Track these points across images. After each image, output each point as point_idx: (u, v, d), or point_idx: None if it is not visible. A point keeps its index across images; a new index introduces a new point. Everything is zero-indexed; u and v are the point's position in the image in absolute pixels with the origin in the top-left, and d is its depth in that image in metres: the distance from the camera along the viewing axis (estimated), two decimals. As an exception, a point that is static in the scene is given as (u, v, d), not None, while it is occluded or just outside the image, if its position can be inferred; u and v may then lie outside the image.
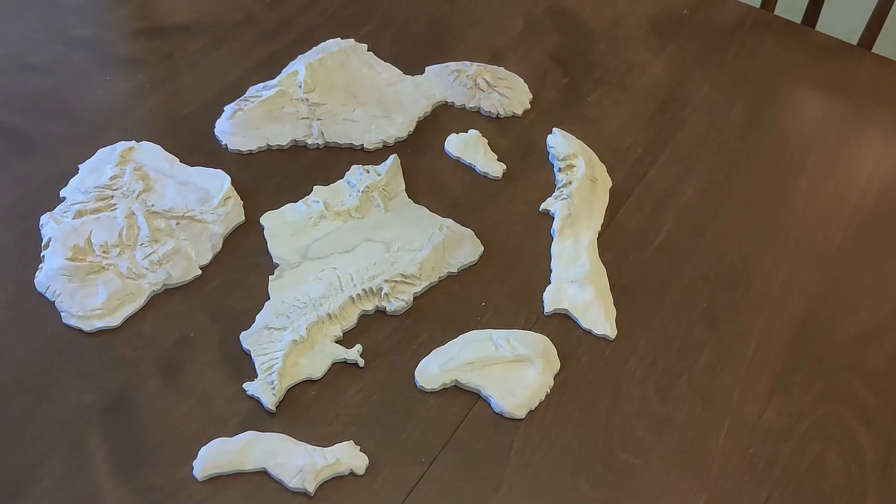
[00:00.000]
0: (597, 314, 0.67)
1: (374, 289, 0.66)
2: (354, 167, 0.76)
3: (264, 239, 0.70)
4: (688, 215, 0.76)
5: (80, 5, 0.91)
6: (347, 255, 0.69)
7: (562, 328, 0.67)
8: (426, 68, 0.87)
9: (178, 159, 0.75)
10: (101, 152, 0.75)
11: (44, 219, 0.69)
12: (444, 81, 0.85)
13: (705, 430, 0.61)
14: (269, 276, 0.67)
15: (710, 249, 0.73)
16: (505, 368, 0.63)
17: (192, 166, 0.75)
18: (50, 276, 0.65)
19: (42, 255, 0.66)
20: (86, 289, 0.64)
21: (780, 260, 0.73)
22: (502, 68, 0.88)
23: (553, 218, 0.74)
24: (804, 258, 0.73)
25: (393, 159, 0.76)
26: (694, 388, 0.63)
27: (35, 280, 0.65)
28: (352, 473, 0.57)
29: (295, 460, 0.56)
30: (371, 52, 0.88)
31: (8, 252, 0.67)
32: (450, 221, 0.72)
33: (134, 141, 0.76)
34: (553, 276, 0.69)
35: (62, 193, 0.72)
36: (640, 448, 0.60)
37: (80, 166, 0.74)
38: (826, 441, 0.61)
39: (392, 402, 0.61)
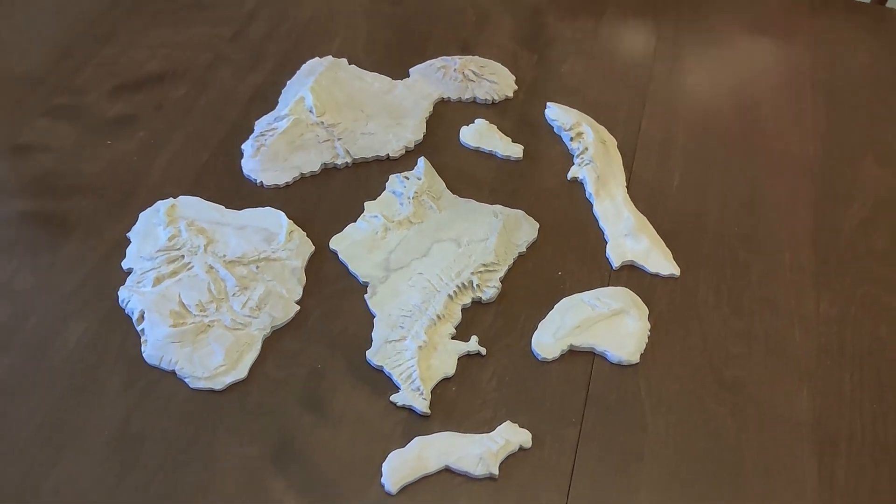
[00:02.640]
0: (657, 258, 0.75)
1: (465, 283, 0.71)
2: (393, 177, 0.79)
3: (341, 262, 0.73)
4: (690, 156, 0.85)
5: (41, 76, 0.87)
6: (426, 259, 0.73)
7: (633, 277, 0.74)
8: (410, 70, 0.91)
9: (223, 206, 0.76)
10: (144, 216, 0.74)
11: (123, 294, 0.68)
12: (433, 79, 0.89)
13: (782, 334, 0.71)
14: (365, 295, 0.70)
15: (719, 181, 0.83)
16: (607, 324, 0.69)
17: (238, 210, 0.76)
18: (159, 347, 0.65)
19: (140, 328, 0.66)
20: (200, 350, 0.65)
21: (776, 176, 0.84)
22: (477, 57, 0.93)
23: (583, 184, 0.81)
24: (794, 171, 0.84)
25: (424, 162, 0.80)
26: (758, 301, 0.73)
27: (144, 355, 0.65)
28: (520, 448, 0.62)
29: (471, 451, 0.61)
30: (353, 65, 0.90)
31: (101, 336, 0.66)
32: (499, 207, 0.78)
33: (171, 198, 0.76)
34: (608, 235, 0.77)
35: (125, 265, 0.70)
36: (738, 362, 0.69)
37: (128, 235, 0.73)
38: (873, 318, 0.73)
39: (523, 379, 0.66)
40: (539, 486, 0.60)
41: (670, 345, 0.69)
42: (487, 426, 0.63)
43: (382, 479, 0.59)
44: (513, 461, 0.61)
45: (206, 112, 0.85)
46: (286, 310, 0.68)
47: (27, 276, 0.70)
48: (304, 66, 0.90)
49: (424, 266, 0.72)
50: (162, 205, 0.75)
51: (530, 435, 0.62)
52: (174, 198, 0.76)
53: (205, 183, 0.78)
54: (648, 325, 0.70)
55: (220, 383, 0.63)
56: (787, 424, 0.65)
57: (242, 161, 0.79)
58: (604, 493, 0.60)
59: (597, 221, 0.78)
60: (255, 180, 0.78)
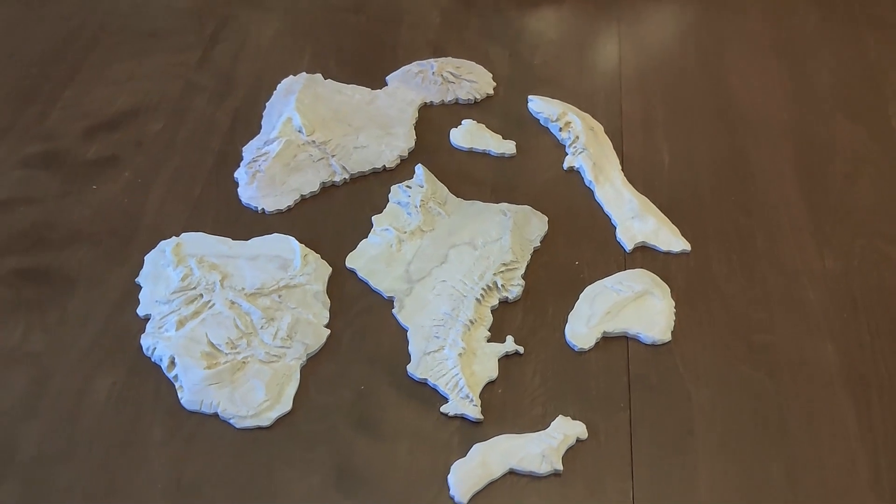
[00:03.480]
0: (667, 236, 0.76)
1: (489, 285, 0.71)
2: (394, 188, 0.79)
3: (361, 280, 0.72)
4: (674, 132, 0.87)
5: (7, 125, 0.83)
6: (446, 266, 0.72)
7: (647, 258, 0.75)
8: (387, 78, 0.91)
9: (229, 238, 0.74)
10: (150, 258, 0.72)
11: (146, 342, 0.65)
12: (412, 85, 0.89)
13: (797, 294, 0.73)
14: (392, 310, 0.70)
15: (706, 153, 0.85)
16: (634, 307, 0.70)
17: (245, 240, 0.74)
18: (197, 392, 0.62)
19: (172, 375, 0.64)
20: (240, 388, 0.63)
21: (758, 143, 0.86)
22: (451, 58, 0.93)
23: (580, 172, 0.82)
24: (773, 136, 0.87)
25: (423, 169, 0.80)
26: (768, 266, 0.75)
27: (182, 402, 0.62)
28: (578, 440, 0.62)
29: (532, 450, 0.61)
30: (329, 80, 0.89)
31: (132, 388, 0.64)
32: (505, 205, 0.78)
33: (174, 236, 0.73)
34: (615, 219, 0.78)
35: (141, 312, 0.68)
36: (763, 326, 0.70)
37: (137, 281, 0.70)
38: (876, 268, 0.76)
39: (565, 371, 0.67)
40: (603, 475, 0.61)
41: (696, 318, 0.71)
42: (541, 423, 0.63)
43: (451, 492, 0.59)
44: (573, 454, 0.62)
45: (189, 144, 0.83)
46: (317, 335, 0.67)
47: (38, 336, 0.67)
48: (279, 85, 0.88)
49: (446, 273, 0.72)
50: (166, 245, 0.72)
51: (584, 426, 0.63)
52: (176, 236, 0.73)
53: (203, 217, 0.76)
54: (673, 303, 0.72)
55: (266, 419, 0.62)
56: (819, 378, 0.67)
57: (239, 190, 0.78)
58: (665, 471, 0.61)
59: (601, 207, 0.79)
60: (256, 208, 0.76)
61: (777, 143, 0.87)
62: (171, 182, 0.79)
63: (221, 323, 0.66)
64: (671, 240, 0.76)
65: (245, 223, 0.76)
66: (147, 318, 0.68)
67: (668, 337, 0.69)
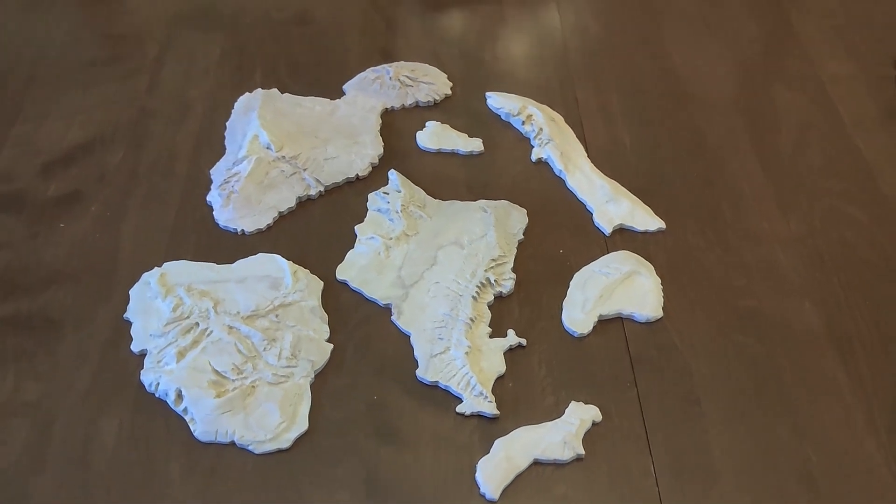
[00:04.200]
0: (642, 216, 0.79)
1: (482, 282, 0.71)
2: (372, 196, 0.78)
3: (354, 290, 0.72)
4: (630, 116, 0.89)
5: (-46, 169, 0.79)
6: (437, 268, 0.73)
7: (626, 239, 0.77)
8: (344, 88, 0.90)
9: (213, 263, 0.72)
10: (135, 292, 0.69)
11: (148, 378, 0.64)
12: (370, 91, 0.89)
13: (769, 258, 0.77)
14: (391, 318, 0.69)
15: (663, 134, 0.88)
16: (624, 288, 0.72)
17: (230, 264, 0.72)
18: (210, 422, 0.61)
19: (181, 409, 0.62)
20: (253, 413, 0.62)
21: (709, 118, 0.89)
22: (404, 62, 0.93)
23: (548, 163, 0.84)
24: (722, 111, 0.90)
25: (396, 174, 0.80)
26: (740, 235, 0.78)
27: (196, 434, 0.61)
28: (594, 423, 0.64)
29: (553, 438, 0.62)
30: (286, 94, 0.88)
31: (140, 427, 0.62)
32: (483, 202, 0.79)
33: (156, 267, 0.71)
34: (590, 205, 0.80)
35: (135, 348, 0.66)
36: (745, 293, 0.73)
37: (126, 317, 0.68)
38: (836, 226, 0.80)
39: (569, 358, 0.68)
40: (623, 453, 0.62)
41: (683, 292, 0.73)
42: (555, 411, 0.65)
43: (481, 490, 0.60)
44: (591, 437, 0.63)
45: (153, 171, 0.80)
46: (321, 351, 0.67)
47: (31, 385, 0.64)
48: (236, 104, 0.86)
49: (438, 274, 0.72)
50: (150, 276, 0.70)
51: (597, 408, 0.65)
52: (158, 266, 0.71)
53: (182, 244, 0.74)
54: (659, 280, 0.74)
55: (285, 441, 0.61)
56: (805, 337, 0.70)
57: (214, 213, 0.76)
58: (679, 443, 0.63)
59: (574, 195, 0.81)
60: (235, 229, 0.75)
61: (726, 117, 0.91)
62: (142, 212, 0.76)
63: (223, 349, 0.65)
64: (647, 220, 0.79)
65: (226, 246, 0.74)
66: (143, 354, 0.66)
67: (660, 313, 0.71)
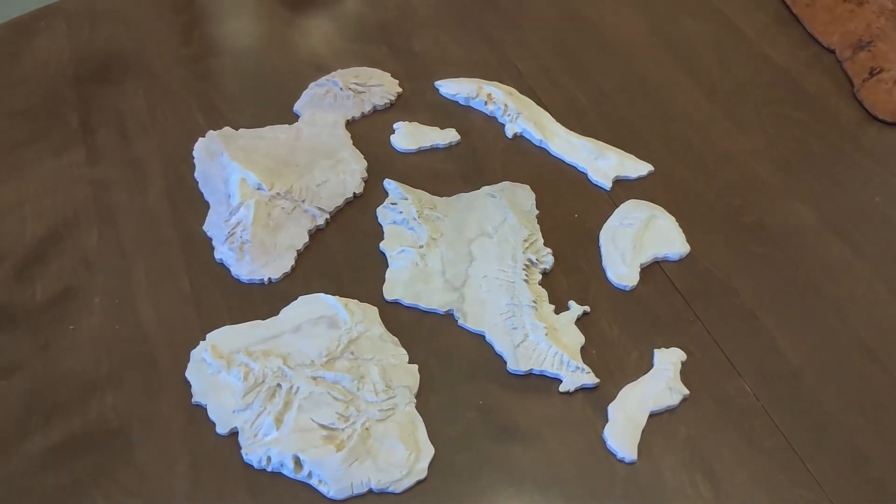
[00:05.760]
0: (631, 164, 0.82)
1: (525, 264, 0.72)
2: (380, 210, 0.77)
3: (408, 306, 0.70)
4: (572, 75, 0.92)
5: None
6: (477, 263, 0.73)
7: (626, 189, 0.81)
8: (295, 109, 0.86)
9: (258, 321, 0.68)
10: (193, 373, 0.64)
11: (254, 456, 0.60)
12: (326, 107, 0.86)
13: (748, 173, 0.83)
14: (458, 323, 0.69)
15: (609, 84, 0.92)
16: (649, 233, 0.76)
17: (274, 317, 0.68)
18: (341, 478, 0.58)
19: (305, 474, 0.59)
20: (379, 455, 0.60)
21: (643, 62, 0.95)
22: (343, 70, 0.90)
23: (525, 136, 0.85)
24: (647, 49, 0.96)
25: (395, 183, 0.78)
26: (714, 158, 0.84)
27: (331, 495, 0.58)
28: (682, 364, 0.68)
29: (658, 388, 0.65)
30: (241, 129, 0.83)
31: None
32: (486, 188, 0.79)
33: (200, 341, 0.66)
34: (582, 166, 0.82)
35: (222, 431, 0.61)
36: (742, 209, 0.79)
37: (195, 401, 0.63)
38: (785, 128, 0.88)
39: (630, 311, 0.71)
40: (717, 381, 0.67)
41: (695, 224, 0.78)
42: (644, 364, 0.67)
43: (619, 455, 0.62)
44: (684, 377, 0.67)
45: (142, 243, 0.74)
46: (410, 373, 0.65)
47: (125, 500, 0.58)
48: (194, 153, 0.81)
49: (481, 268, 0.72)
50: (201, 353, 0.65)
51: (679, 349, 0.69)
52: (202, 340, 0.66)
53: (212, 311, 0.69)
54: (673, 217, 0.78)
55: (421, 471, 0.60)
56: (809, 232, 0.77)
57: (232, 270, 0.71)
58: (756, 356, 0.68)
59: (563, 160, 0.84)
60: (261, 280, 0.71)
61: (653, 56, 0.96)
62: (152, 289, 0.70)
63: (318, 402, 0.62)
64: (636, 166, 0.83)
65: (259, 300, 0.70)
66: (233, 433, 0.61)
67: (688, 248, 0.76)
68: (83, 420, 0.62)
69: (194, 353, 0.66)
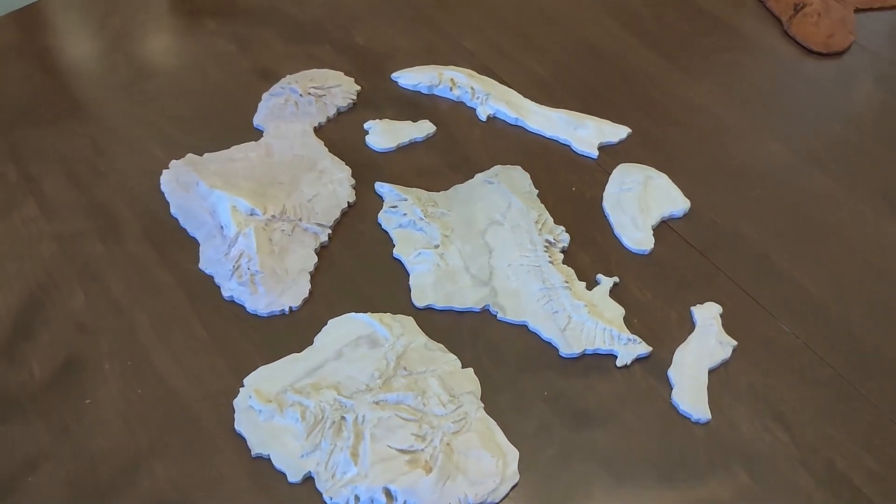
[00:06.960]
0: (609, 128, 0.83)
1: (545, 244, 0.71)
2: (382, 215, 0.73)
3: (442, 310, 0.67)
4: (525, 51, 0.91)
5: None
6: (497, 252, 0.70)
7: (611, 154, 0.81)
8: (255, 123, 0.80)
9: (293, 354, 0.63)
10: (242, 426, 0.59)
11: (342, 497, 0.55)
12: (289, 116, 0.80)
13: (719, 121, 0.85)
14: (497, 317, 0.67)
15: (563, 55, 0.92)
16: (650, 195, 0.76)
17: (309, 347, 0.64)
18: (437, 499, 0.55)
19: (398, 504, 0.55)
20: (468, 469, 0.57)
21: (593, 28, 0.95)
22: (291, 75, 0.85)
23: (498, 116, 0.83)
24: (594, 15, 0.96)
25: (388, 185, 0.75)
26: (684, 111, 0.86)
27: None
28: (720, 314, 0.69)
29: (708, 343, 0.65)
30: (205, 154, 0.76)
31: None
32: (480, 175, 0.77)
33: (239, 389, 0.60)
34: (564, 139, 0.81)
35: (295, 479, 0.56)
36: (725, 155, 0.81)
37: (256, 454, 0.58)
38: (737, 73, 0.90)
39: (655, 274, 0.71)
40: (755, 326, 0.68)
41: (689, 179, 0.79)
42: (685, 324, 0.68)
43: (694, 418, 0.62)
44: (726, 329, 0.68)
45: (137, 295, 0.67)
46: (468, 378, 0.63)
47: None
48: (162, 187, 0.73)
49: (502, 258, 0.70)
50: (244, 402, 0.60)
51: (712, 302, 0.69)
52: (240, 387, 0.61)
53: (238, 354, 0.64)
54: (666, 175, 0.79)
55: (513, 476, 0.58)
56: (796, 170, 0.80)
57: (247, 306, 0.66)
58: (783, 294, 0.70)
59: (542, 135, 0.82)
60: (282, 310, 0.66)
61: (594, 19, 0.96)
62: (166, 344, 0.64)
63: (390, 427, 0.59)
64: (615, 130, 0.83)
65: (285, 331, 0.65)
66: (309, 478, 0.57)
67: (689, 203, 0.77)
68: (137, 499, 0.56)
69: (238, 403, 0.60)
